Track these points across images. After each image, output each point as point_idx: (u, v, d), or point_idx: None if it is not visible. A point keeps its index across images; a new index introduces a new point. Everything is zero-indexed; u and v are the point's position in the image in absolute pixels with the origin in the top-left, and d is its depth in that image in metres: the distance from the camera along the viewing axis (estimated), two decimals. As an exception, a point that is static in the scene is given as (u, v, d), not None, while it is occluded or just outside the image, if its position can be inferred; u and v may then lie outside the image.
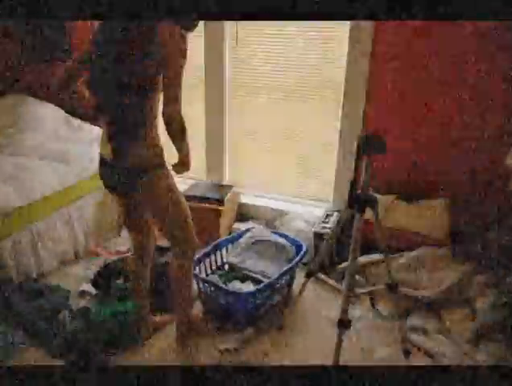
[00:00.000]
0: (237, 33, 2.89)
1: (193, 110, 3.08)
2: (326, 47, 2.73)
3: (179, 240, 1.86)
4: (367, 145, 1.71)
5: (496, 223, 2.21)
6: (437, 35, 2.38)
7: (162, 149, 1.76)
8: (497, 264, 2.10)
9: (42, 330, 2.09)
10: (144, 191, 1.75)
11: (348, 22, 2.56)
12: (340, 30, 2.62)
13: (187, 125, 1.62)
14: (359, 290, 2.15)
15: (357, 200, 1.76)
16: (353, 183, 1.76)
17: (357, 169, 1.76)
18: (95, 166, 2.73)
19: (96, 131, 3.03)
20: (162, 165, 1.75)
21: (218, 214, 2.85)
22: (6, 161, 2.70)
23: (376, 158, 1.73)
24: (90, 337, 2.01)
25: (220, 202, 2.89)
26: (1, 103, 3.18)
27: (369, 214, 1.79)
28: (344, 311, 1.79)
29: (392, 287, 1.90)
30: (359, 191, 1.79)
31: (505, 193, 2.20)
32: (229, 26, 2.89)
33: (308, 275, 2.19)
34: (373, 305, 2.32)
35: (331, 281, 2.16)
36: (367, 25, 2.49)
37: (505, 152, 2.18)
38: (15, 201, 2.40)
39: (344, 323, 1.77)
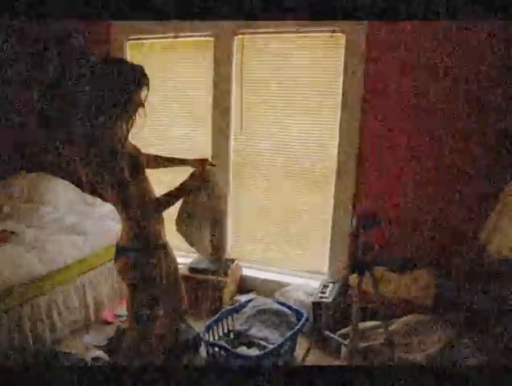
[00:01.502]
0: (241, 120, 3.33)
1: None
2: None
3: None
4: (364, 220, 2.03)
5: (480, 291, 2.49)
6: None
7: None
8: (483, 327, 2.36)
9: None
10: None
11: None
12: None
13: None
14: (362, 344, 2.35)
15: (357, 264, 2.05)
16: (354, 252, 2.06)
17: (355, 240, 2.06)
18: (108, 238, 3.00)
19: (108, 207, 3.28)
20: None
21: (223, 285, 3.06)
22: (27, 232, 2.90)
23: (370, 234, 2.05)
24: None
25: (224, 274, 3.11)
26: (22, 179, 3.46)
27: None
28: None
29: (390, 343, 2.13)
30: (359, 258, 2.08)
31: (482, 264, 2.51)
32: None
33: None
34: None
35: (336, 337, 2.37)
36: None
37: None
38: (37, 269, 2.59)
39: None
